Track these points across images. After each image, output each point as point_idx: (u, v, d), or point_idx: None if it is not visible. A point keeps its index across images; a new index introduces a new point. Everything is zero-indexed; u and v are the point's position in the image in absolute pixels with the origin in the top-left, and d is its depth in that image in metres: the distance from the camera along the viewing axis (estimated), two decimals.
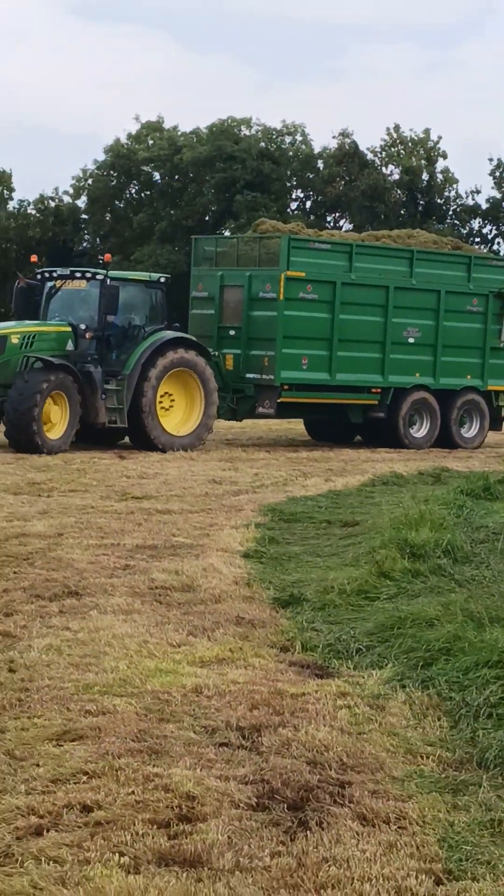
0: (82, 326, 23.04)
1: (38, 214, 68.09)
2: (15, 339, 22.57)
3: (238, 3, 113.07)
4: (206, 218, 63.17)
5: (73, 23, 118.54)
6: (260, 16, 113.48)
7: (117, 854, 5.18)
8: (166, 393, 23.81)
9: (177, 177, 64.96)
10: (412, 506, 13.42)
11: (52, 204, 68.42)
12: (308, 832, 5.49)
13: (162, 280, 24.60)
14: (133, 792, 5.85)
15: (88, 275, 23.88)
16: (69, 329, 23.08)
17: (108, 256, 25.47)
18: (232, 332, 26.10)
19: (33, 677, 7.68)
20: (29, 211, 68.69)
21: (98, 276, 23.39)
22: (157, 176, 66.66)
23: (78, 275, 24.12)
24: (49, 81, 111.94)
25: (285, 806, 5.79)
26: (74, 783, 5.97)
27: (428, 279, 27.30)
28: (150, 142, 66.26)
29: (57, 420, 22.16)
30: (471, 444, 28.14)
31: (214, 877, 5.02)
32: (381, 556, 11.09)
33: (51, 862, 5.11)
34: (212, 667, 8.09)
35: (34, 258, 27.97)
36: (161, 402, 23.66)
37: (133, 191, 68.00)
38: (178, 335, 24.11)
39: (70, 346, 22.98)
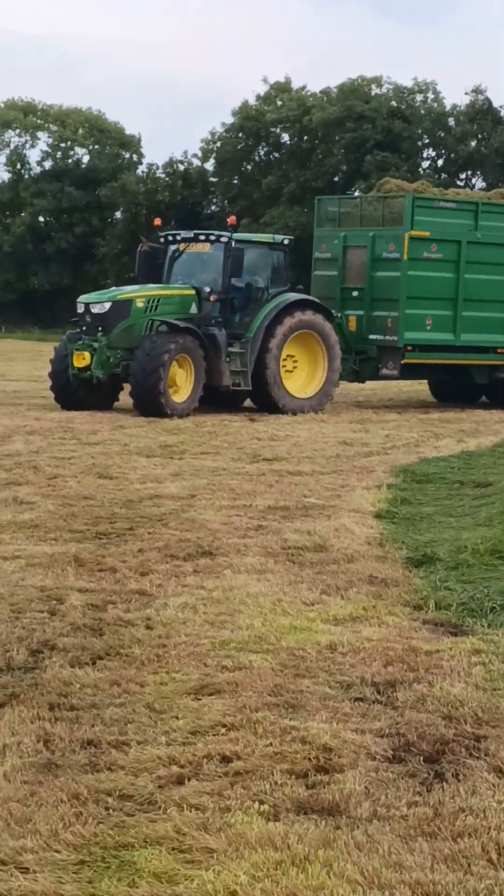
0: (206, 289, 23.19)
1: (167, 178, 68.53)
2: (140, 303, 22.83)
3: None
4: (336, 179, 62.97)
5: None
6: None
7: (257, 802, 5.32)
8: (289, 355, 23.88)
9: (306, 138, 64.81)
10: None
11: (181, 167, 68.79)
12: (444, 783, 5.58)
13: (285, 242, 24.64)
14: (271, 744, 5.98)
15: (213, 237, 24.01)
16: (193, 292, 23.26)
17: (232, 218, 25.53)
18: (355, 294, 26.03)
19: (170, 634, 7.84)
20: (158, 175, 69.16)
21: (222, 239, 23.50)
22: (286, 137, 66.60)
23: (202, 237, 24.26)
24: (174, 43, 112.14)
25: (421, 758, 5.88)
26: (213, 735, 6.11)
27: None
28: (279, 103, 66.21)
29: (182, 383, 22.37)
30: None
31: (352, 825, 5.14)
32: None
33: (193, 809, 5.25)
34: (346, 624, 8.19)
35: (157, 221, 28.17)
36: (284, 365, 23.75)
37: (262, 153, 68.01)
38: (301, 297, 24.16)
39: (194, 309, 23.17)
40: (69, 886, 4.64)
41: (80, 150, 75.65)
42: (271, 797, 5.39)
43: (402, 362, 25.50)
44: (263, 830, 5.03)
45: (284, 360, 23.75)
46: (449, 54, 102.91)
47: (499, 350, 26.49)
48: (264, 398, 23.75)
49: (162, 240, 24.72)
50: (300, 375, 24.22)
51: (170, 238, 24.56)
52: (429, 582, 9.40)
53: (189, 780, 5.58)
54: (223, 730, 6.18)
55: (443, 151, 64.90)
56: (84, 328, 22.88)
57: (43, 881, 4.67)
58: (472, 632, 8.10)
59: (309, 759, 5.81)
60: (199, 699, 6.64)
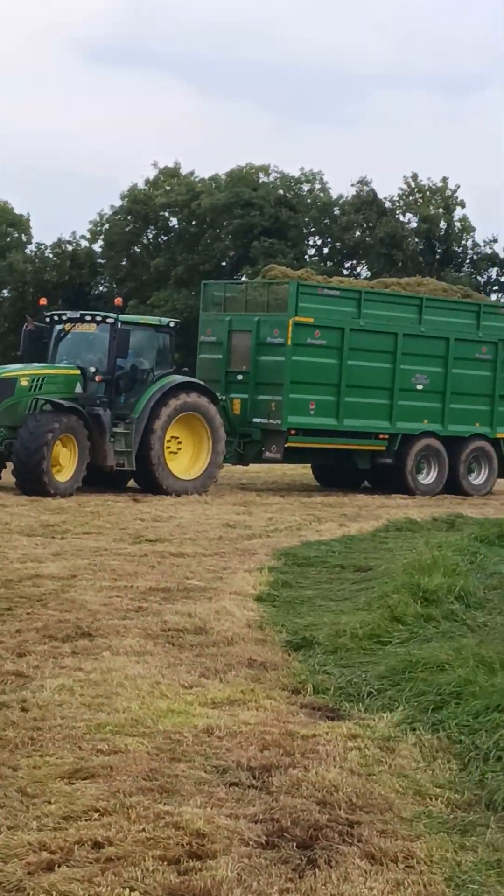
0: (92, 369, 23.14)
1: (54, 258, 68.62)
2: (24, 382, 22.70)
3: (251, 49, 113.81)
4: (223, 264, 63.55)
5: (86, 66, 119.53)
6: (275, 62, 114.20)
7: (128, 889, 5.25)
8: (174, 437, 23.87)
9: (194, 222, 65.39)
10: (425, 551, 13.49)
11: (69, 248, 68.95)
12: (317, 870, 5.56)
13: (171, 325, 24.73)
14: (144, 829, 5.91)
15: (98, 318, 24.02)
16: (78, 372, 23.20)
17: (118, 300, 25.60)
18: (240, 377, 26.22)
19: (45, 716, 7.74)
20: (46, 254, 69.24)
21: (108, 320, 23.52)
22: (174, 221, 67.15)
23: (88, 318, 24.25)
24: (65, 126, 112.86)
25: (294, 844, 5.85)
26: (86, 820, 6.03)
27: (437, 326, 27.40)
28: (168, 188, 66.80)
29: (65, 462, 22.22)
30: (480, 491, 28.11)
31: None
32: (393, 601, 11.15)
33: None
34: (223, 708, 8.16)
35: (43, 301, 28.16)
36: (169, 446, 23.74)
37: (150, 236, 68.46)
38: (186, 379, 24.24)
39: (79, 388, 23.11)
40: None
41: None
42: (142, 884, 5.32)
43: (286, 446, 25.63)
44: None
45: (169, 441, 23.75)
46: (335, 146, 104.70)
47: (381, 436, 26.76)
48: (148, 479, 23.69)
49: (48, 319, 24.67)
50: (184, 457, 24.23)
51: (56, 318, 24.52)
52: (307, 666, 9.41)
53: (59, 866, 5.49)
54: (96, 815, 6.10)
55: (328, 240, 65.89)
56: None
57: None
58: (348, 716, 8.11)
59: (182, 844, 5.75)
60: (73, 783, 6.56)
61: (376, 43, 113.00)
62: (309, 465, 29.42)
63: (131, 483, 24.37)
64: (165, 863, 5.56)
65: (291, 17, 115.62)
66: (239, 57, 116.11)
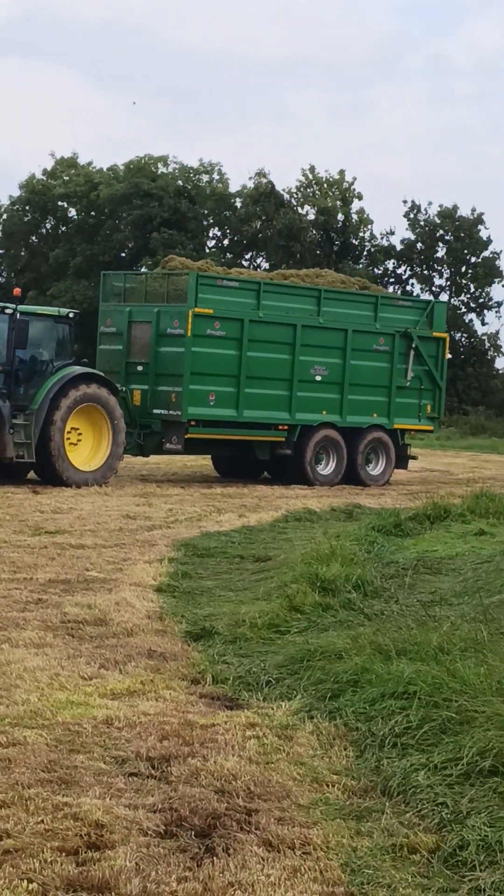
0: None
1: None
2: None
3: (142, 38, 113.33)
4: (123, 254, 63.35)
5: None
6: (170, 51, 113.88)
7: (26, 881, 5.24)
8: (74, 428, 23.72)
9: (93, 213, 65.06)
10: (324, 541, 13.59)
11: None
12: (215, 858, 5.58)
13: (71, 315, 24.57)
14: (42, 821, 5.90)
15: None
16: None
17: (17, 290, 25.34)
18: (139, 368, 26.12)
19: None
20: None
21: (7, 311, 23.25)
22: (73, 212, 66.75)
23: None
24: None
25: (193, 833, 5.87)
26: None
27: (335, 318, 27.55)
28: (66, 178, 66.36)
29: None
30: (377, 481, 28.34)
31: None
32: (292, 591, 11.22)
33: None
34: (123, 699, 8.16)
35: None
36: (69, 438, 23.60)
37: (49, 226, 67.99)
38: (86, 370, 24.10)
39: None
40: None
41: None
42: (40, 875, 5.30)
43: (186, 437, 25.62)
44: None
45: (69, 432, 23.60)
46: (233, 137, 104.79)
47: (280, 427, 26.86)
48: (48, 470, 23.53)
49: None
50: (84, 448, 24.10)
51: None
52: (207, 656, 9.44)
53: None
54: None
55: (228, 231, 65.91)
56: None
57: None
58: (247, 705, 8.15)
59: (80, 835, 5.75)
60: None
61: (272, 35, 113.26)
62: (209, 456, 29.43)
63: (31, 475, 24.18)
64: (64, 854, 5.56)
65: (184, 8, 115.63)
66: (127, 46, 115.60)
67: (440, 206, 62.40)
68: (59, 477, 23.29)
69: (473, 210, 61.93)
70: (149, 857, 5.57)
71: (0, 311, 23.48)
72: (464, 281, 62.60)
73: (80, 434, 23.96)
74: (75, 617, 10.65)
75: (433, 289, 62.67)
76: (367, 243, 64.11)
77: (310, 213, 62.93)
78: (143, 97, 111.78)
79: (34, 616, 10.66)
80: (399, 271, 64.22)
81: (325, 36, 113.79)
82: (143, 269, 51.02)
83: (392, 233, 63.85)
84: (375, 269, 62.50)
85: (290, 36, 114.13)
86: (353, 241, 63.53)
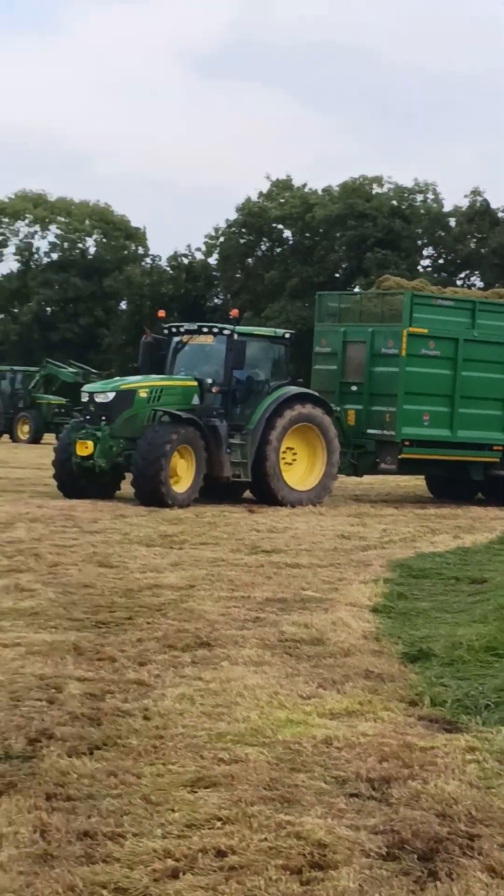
0: (208, 381, 23.30)
1: (171, 271, 69.11)
2: (143, 393, 22.93)
3: (353, 58, 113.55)
4: (337, 275, 63.59)
5: (198, 81, 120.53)
6: (382, 70, 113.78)
7: None
8: (289, 448, 23.90)
9: (308, 234, 65.46)
10: None
11: (185, 261, 69.41)
12: (438, 882, 5.54)
13: (287, 336, 24.78)
14: (266, 838, 5.94)
15: (215, 330, 24.14)
16: (195, 384, 23.37)
17: (234, 312, 25.67)
18: (354, 388, 26.17)
19: (167, 725, 7.80)
20: (162, 267, 69.77)
21: (225, 332, 23.63)
22: (288, 234, 67.26)
23: (205, 330, 24.38)
24: (179, 140, 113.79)
25: (415, 856, 5.84)
26: (209, 828, 6.07)
27: None
28: (282, 200, 66.93)
29: (183, 473, 22.35)
30: None
31: None
32: None
33: None
34: (341, 719, 8.16)
35: (161, 313, 28.39)
36: (284, 457, 23.77)
37: (264, 248, 68.64)
38: (301, 390, 24.28)
39: (196, 400, 23.27)
40: None
41: (87, 241, 76.39)
42: (266, 893, 5.35)
43: (400, 457, 25.55)
44: None
45: (284, 452, 23.79)
46: (448, 156, 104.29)
47: (495, 447, 26.55)
48: (264, 490, 23.75)
49: (165, 331, 24.87)
50: (299, 468, 24.25)
51: (173, 330, 24.70)
52: (424, 678, 9.37)
53: (184, 873, 5.54)
54: (219, 823, 6.14)
55: (441, 250, 65.53)
56: (88, 417, 23.01)
57: None
58: (466, 729, 8.07)
59: (303, 854, 5.77)
60: (195, 792, 6.60)
61: (478, 60, 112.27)
62: (423, 476, 29.27)
63: (247, 494, 24.45)
64: (288, 872, 5.58)
65: (396, 33, 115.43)
66: (341, 68, 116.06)
67: None
68: (274, 496, 23.49)
69: None
70: (372, 878, 5.56)
71: (218, 332, 23.88)
72: None
73: (294, 454, 24.12)
74: (293, 636, 10.69)
75: None
76: None
77: None
78: (355, 117, 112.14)
79: (252, 634, 10.74)
80: None
81: None
82: (358, 290, 51.06)
83: None
84: None
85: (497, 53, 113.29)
86: None
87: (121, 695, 8.52)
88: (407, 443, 25.52)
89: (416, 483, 30.51)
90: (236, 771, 6.92)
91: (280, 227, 67.23)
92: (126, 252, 75.60)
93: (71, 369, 49.99)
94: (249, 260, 68.47)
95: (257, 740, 7.56)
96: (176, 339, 24.42)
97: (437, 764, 7.21)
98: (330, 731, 7.80)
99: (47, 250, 76.70)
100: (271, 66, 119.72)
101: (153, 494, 21.77)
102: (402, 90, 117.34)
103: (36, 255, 77.10)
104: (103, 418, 22.67)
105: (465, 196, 63.78)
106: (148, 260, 73.11)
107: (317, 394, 24.71)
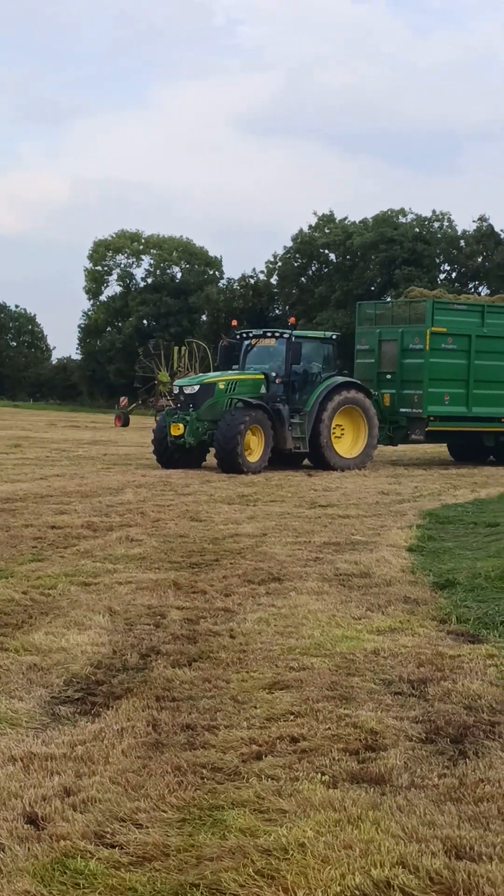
0: (273, 374, 23.33)
1: (240, 289, 69.03)
2: (221, 385, 22.99)
3: (380, 117, 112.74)
4: (372, 288, 63.13)
5: (247, 136, 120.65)
6: (403, 121, 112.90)
7: (319, 773, 5.28)
8: (338, 424, 23.92)
9: (348, 257, 65.10)
10: None
11: (252, 281, 69.29)
12: (467, 759, 5.51)
13: (333, 337, 24.75)
14: (329, 728, 5.93)
15: (277, 334, 24.17)
16: (262, 377, 23.38)
17: (292, 319, 25.75)
18: (388, 376, 26.10)
19: (248, 642, 7.81)
20: (234, 287, 69.72)
21: (285, 335, 23.65)
22: (332, 257, 66.93)
23: (269, 334, 24.44)
24: (242, 186, 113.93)
25: (448, 740, 5.80)
26: (284, 721, 6.07)
27: None
28: (327, 231, 66.60)
29: (255, 447, 22.41)
30: None
31: (395, 792, 5.09)
32: None
33: (269, 779, 5.22)
34: (386, 634, 8.12)
35: (234, 322, 28.39)
36: (334, 432, 23.80)
37: (314, 269, 68.37)
38: (346, 380, 24.17)
39: (263, 389, 23.29)
40: (174, 839, 4.63)
41: (174, 269, 76.43)
42: (330, 770, 5.34)
43: (427, 430, 25.51)
44: (325, 796, 4.99)
45: (334, 428, 23.76)
46: (458, 190, 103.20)
47: (502, 420, 26.38)
48: (319, 458, 23.74)
49: (238, 336, 24.88)
50: (346, 440, 24.22)
51: (244, 335, 24.72)
52: (451, 601, 9.30)
53: (266, 756, 5.55)
54: (292, 717, 6.14)
55: (455, 266, 64.89)
56: (179, 405, 23.10)
57: (154, 835, 4.66)
58: (486, 640, 7.99)
59: (359, 740, 5.76)
60: (272, 693, 6.60)
61: (479, 111, 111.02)
62: (445, 444, 29.09)
63: (306, 462, 24.42)
64: (347, 754, 5.57)
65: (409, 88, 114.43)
66: (370, 124, 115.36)
67: None
68: (327, 463, 23.46)
69: None
70: (414, 758, 5.53)
71: (279, 335, 23.87)
72: None
73: (342, 429, 24.08)
74: (345, 571, 10.66)
75: None
76: None
77: None
78: (381, 162, 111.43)
79: (313, 570, 10.72)
80: None
81: None
82: (389, 299, 50.73)
83: None
84: None
85: (493, 107, 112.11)
86: None
87: (211, 619, 8.53)
88: (432, 418, 25.43)
89: (440, 450, 30.30)
90: (304, 676, 6.91)
91: (326, 251, 66.82)
92: (206, 276, 75.49)
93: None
94: (302, 279, 68.11)
95: (320, 652, 7.54)
96: (246, 342, 24.43)
97: (464, 668, 7.15)
98: (377, 644, 7.77)
99: (143, 276, 76.88)
100: (312, 124, 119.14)
101: (232, 464, 21.82)
102: (418, 139, 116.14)
103: (134, 281, 77.26)
104: (191, 406, 22.73)
105: (474, 221, 63.17)
106: (223, 281, 73.00)
107: (359, 382, 24.60)
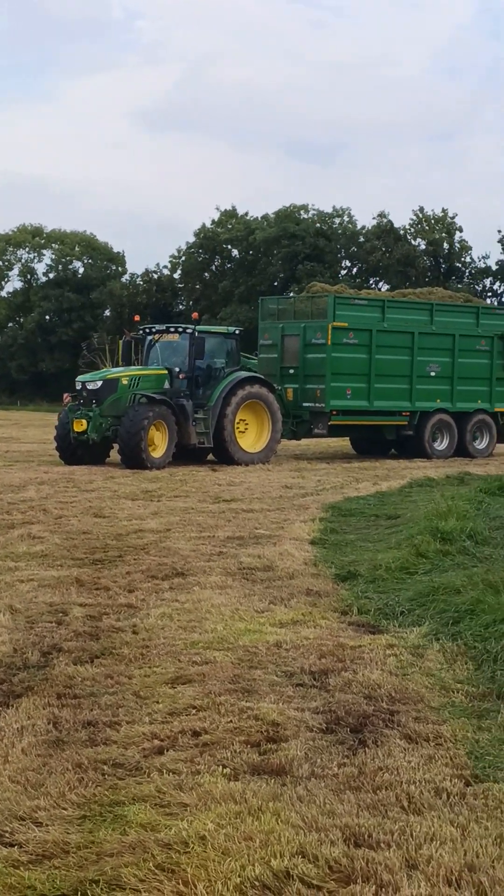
0: (176, 369, 23.29)
1: (144, 284, 68.70)
2: (125, 381, 22.89)
3: (277, 108, 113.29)
4: (275, 283, 63.34)
5: (152, 133, 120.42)
6: (308, 120, 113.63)
7: (221, 766, 5.29)
8: (241, 419, 23.96)
9: (251, 252, 65.21)
10: (442, 502, 13.42)
11: (155, 276, 69.01)
12: (366, 748, 5.57)
13: (236, 332, 24.83)
14: (231, 721, 5.95)
15: (180, 329, 24.14)
16: (166, 372, 23.33)
17: (195, 315, 25.68)
18: (291, 371, 26.21)
19: (152, 637, 7.79)
20: (137, 282, 69.37)
21: (188, 331, 23.63)
22: (235, 252, 66.99)
23: (172, 329, 24.38)
24: (145, 181, 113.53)
25: (348, 729, 5.86)
26: (186, 715, 6.07)
27: (445, 326, 27.31)
28: (229, 226, 66.63)
29: (159, 442, 22.36)
30: (482, 454, 28.02)
31: (295, 782, 5.12)
32: (418, 541, 11.12)
33: (170, 773, 5.22)
34: (288, 627, 8.16)
35: (136, 318, 28.28)
36: (238, 427, 23.84)
37: (217, 264, 68.36)
38: (249, 374, 24.24)
39: (167, 384, 23.23)
40: (74, 836, 4.60)
41: (77, 264, 75.76)
42: (232, 762, 5.36)
43: (329, 424, 25.68)
44: (226, 788, 5.00)
45: (238, 423, 23.79)
46: (359, 186, 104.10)
47: (403, 413, 26.73)
48: (223, 453, 23.75)
49: (141, 332, 24.77)
50: (250, 435, 24.28)
51: (147, 330, 24.62)
52: (352, 593, 9.40)
53: (167, 750, 5.54)
54: (194, 711, 6.14)
55: (356, 261, 65.44)
56: (81, 401, 22.90)
57: (53, 833, 4.62)
58: (386, 630, 8.10)
59: (261, 732, 5.78)
60: (175, 687, 6.60)
61: (374, 108, 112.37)
62: (348, 438, 29.35)
63: (210, 457, 24.42)
64: (249, 746, 5.59)
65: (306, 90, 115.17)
66: (270, 118, 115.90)
67: None
68: (231, 458, 23.50)
69: None
70: (315, 748, 5.57)
71: (182, 331, 23.84)
72: None
73: (246, 424, 24.14)
74: (249, 565, 10.69)
75: None
76: (468, 267, 63.08)
77: (421, 244, 62.15)
78: (282, 158, 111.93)
79: (217, 564, 10.73)
80: (495, 287, 63.07)
81: (422, 97, 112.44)
82: (292, 294, 50.96)
83: (487, 256, 62.80)
84: (476, 286, 61.43)
85: (387, 105, 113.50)
86: (457, 265, 62.56)
87: (114, 615, 8.49)
88: (334, 412, 25.61)
89: (342, 444, 30.56)
90: (207, 670, 6.92)
91: (229, 247, 66.83)
92: (108, 271, 74.92)
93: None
94: (206, 274, 68.06)
95: (223, 646, 7.55)
96: (149, 337, 24.33)
97: (364, 658, 7.23)
98: (279, 636, 7.81)
99: (45, 271, 76.02)
100: (211, 118, 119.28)
101: (135, 460, 21.74)
102: (318, 135, 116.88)
103: (35, 276, 76.37)
104: (94, 401, 22.57)
105: (374, 218, 63.79)
106: (126, 276, 72.51)
107: (262, 376, 24.67)
